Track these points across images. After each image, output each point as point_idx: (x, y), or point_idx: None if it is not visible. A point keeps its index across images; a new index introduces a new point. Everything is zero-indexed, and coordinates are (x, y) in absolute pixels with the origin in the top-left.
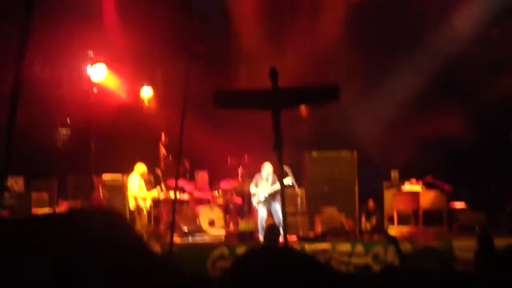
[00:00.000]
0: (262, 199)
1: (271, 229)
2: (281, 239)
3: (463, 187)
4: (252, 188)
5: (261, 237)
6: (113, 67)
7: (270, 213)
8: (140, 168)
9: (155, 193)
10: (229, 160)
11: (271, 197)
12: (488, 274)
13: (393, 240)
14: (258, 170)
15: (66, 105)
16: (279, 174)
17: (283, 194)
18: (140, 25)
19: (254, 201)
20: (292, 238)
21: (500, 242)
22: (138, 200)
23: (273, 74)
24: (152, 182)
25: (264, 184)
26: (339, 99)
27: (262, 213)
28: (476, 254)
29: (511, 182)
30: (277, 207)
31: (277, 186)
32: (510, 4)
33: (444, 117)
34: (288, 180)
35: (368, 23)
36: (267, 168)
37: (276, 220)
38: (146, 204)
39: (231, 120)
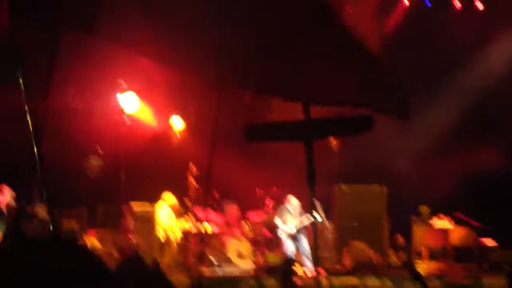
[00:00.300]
0: (289, 231)
1: (287, 260)
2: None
3: (494, 224)
4: (277, 220)
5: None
6: (145, 97)
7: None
8: (169, 198)
9: (184, 224)
10: (257, 192)
11: (298, 230)
12: None
13: (417, 276)
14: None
15: (98, 135)
16: (311, 206)
17: (314, 227)
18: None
19: (280, 233)
20: (321, 271)
21: None
22: (167, 231)
23: (306, 104)
24: (182, 212)
25: (289, 217)
26: (372, 130)
27: (289, 245)
28: None
29: None
30: (302, 239)
31: (305, 220)
32: None
33: (476, 153)
34: (318, 217)
35: (401, 55)
36: (292, 201)
37: (301, 252)
38: (175, 235)
39: (261, 152)
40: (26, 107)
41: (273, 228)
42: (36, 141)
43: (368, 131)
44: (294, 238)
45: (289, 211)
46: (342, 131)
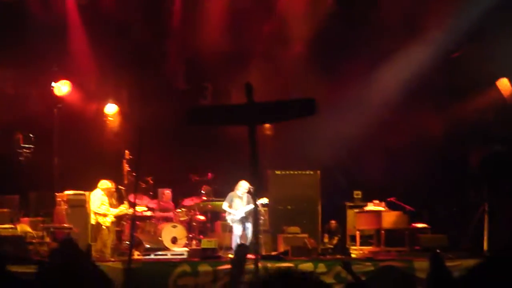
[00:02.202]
0: (238, 217)
1: (242, 247)
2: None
3: (425, 209)
4: (225, 206)
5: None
6: (78, 83)
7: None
8: (104, 184)
9: (117, 210)
10: (192, 178)
11: (246, 215)
12: None
13: (346, 266)
14: (221, 187)
15: (30, 121)
16: (254, 190)
17: (256, 212)
18: (106, 43)
19: (229, 219)
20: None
21: (459, 264)
22: (97, 216)
23: (249, 88)
24: (116, 198)
25: (239, 203)
26: (314, 113)
27: (237, 231)
28: (428, 276)
29: (472, 204)
30: (249, 225)
31: (250, 207)
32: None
33: (407, 139)
34: (265, 200)
35: (328, 45)
36: (243, 187)
37: (247, 238)
38: (106, 221)
39: (195, 138)
40: None
41: (209, 213)
42: None
43: (311, 115)
44: (242, 223)
45: (238, 196)
46: (286, 115)
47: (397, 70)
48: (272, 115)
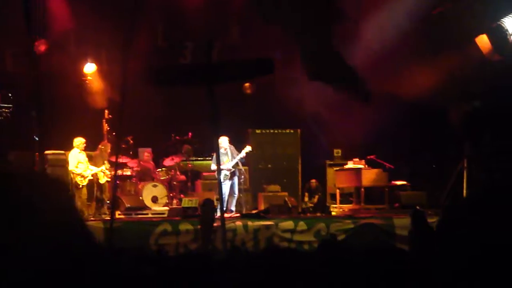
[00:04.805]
0: (228, 173)
1: (208, 204)
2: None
3: (405, 166)
4: (213, 167)
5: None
6: (56, 42)
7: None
8: (78, 141)
9: (93, 170)
10: (173, 137)
11: (234, 169)
12: (420, 251)
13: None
14: (202, 146)
15: (8, 81)
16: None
17: (219, 171)
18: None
19: (222, 177)
20: (236, 215)
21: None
22: (75, 176)
23: (209, 47)
24: (96, 158)
25: (225, 159)
26: (273, 73)
27: (226, 188)
28: (410, 233)
29: (451, 161)
30: (235, 181)
31: (239, 157)
32: None
33: (386, 97)
34: (248, 148)
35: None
36: (224, 143)
37: (231, 194)
38: (82, 181)
39: (176, 96)
40: None
41: (189, 173)
42: None
43: (269, 74)
44: (231, 179)
45: (222, 153)
46: (244, 74)
47: (378, 26)
48: (230, 75)
